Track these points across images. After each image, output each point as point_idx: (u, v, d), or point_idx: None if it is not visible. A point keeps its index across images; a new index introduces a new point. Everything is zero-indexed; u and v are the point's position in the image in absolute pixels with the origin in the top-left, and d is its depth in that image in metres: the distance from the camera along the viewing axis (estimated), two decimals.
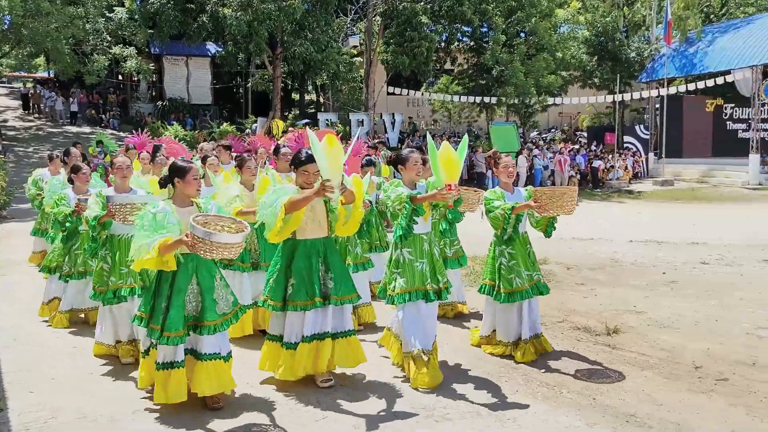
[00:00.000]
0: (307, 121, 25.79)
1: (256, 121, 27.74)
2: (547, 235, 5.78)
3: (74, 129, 30.67)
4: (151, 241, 4.21)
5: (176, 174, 4.61)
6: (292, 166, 5.10)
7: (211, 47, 32.99)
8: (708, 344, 6.15)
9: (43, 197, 8.32)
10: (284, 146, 7.13)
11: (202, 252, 4.06)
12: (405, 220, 5.00)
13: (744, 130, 27.23)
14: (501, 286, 5.64)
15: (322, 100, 37.39)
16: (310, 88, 39.00)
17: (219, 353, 4.64)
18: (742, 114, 27.58)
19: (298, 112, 34.87)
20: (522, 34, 28.84)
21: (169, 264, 4.32)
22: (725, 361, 5.67)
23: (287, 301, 4.91)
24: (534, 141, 28.73)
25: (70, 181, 6.83)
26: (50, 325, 6.84)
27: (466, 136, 5.86)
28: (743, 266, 9.91)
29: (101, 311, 5.85)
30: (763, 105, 25.00)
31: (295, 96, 39.07)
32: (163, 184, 4.77)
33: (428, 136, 5.59)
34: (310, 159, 4.87)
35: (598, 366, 5.59)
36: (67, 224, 6.41)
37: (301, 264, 4.92)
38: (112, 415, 4.57)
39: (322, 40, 26.81)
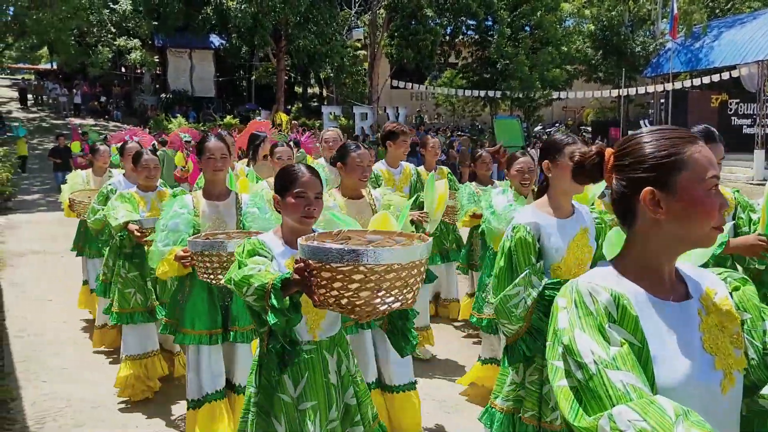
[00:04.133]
0: None
1: (259, 114, 27.72)
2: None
3: (77, 121, 30.63)
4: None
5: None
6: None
7: (215, 40, 32.93)
8: None
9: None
10: (282, 144, 5.46)
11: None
12: None
13: (749, 126, 27.08)
14: None
15: (325, 93, 37.31)
16: (313, 81, 38.92)
17: None
18: (747, 109, 27.42)
19: (301, 105, 34.84)
20: (527, 28, 28.78)
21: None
22: None
23: None
24: (538, 135, 28.67)
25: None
26: None
27: None
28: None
29: None
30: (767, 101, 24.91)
31: (299, 89, 39.02)
32: None
33: None
34: None
35: None
36: None
37: None
38: (122, 405, 4.58)
39: (326, 33, 26.78)
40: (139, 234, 4.36)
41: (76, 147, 18.50)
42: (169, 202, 3.73)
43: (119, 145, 7.17)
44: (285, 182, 2.57)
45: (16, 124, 25.59)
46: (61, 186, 6.37)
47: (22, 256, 10.03)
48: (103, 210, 5.13)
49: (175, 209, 3.63)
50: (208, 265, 3.15)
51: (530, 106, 28.65)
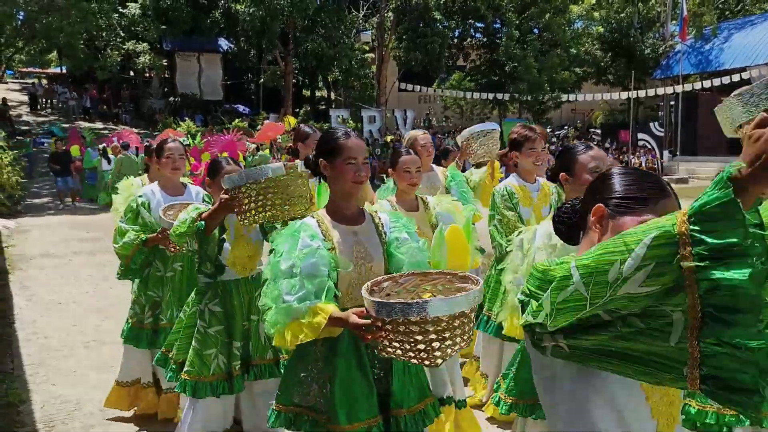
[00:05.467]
0: None
1: (267, 117, 27.74)
2: None
3: (86, 124, 30.75)
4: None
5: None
6: None
7: (223, 43, 33.02)
8: None
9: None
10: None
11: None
12: None
13: None
14: None
15: (333, 96, 37.36)
16: (321, 84, 38.97)
17: None
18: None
19: (309, 108, 34.87)
20: (535, 30, 28.74)
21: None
22: None
23: None
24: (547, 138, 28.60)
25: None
26: None
27: None
28: None
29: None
30: None
31: (307, 92, 39.07)
32: None
33: None
34: None
35: None
36: None
37: None
38: (134, 407, 4.54)
39: (334, 36, 26.82)
40: (226, 198, 2.97)
41: (75, 151, 18.35)
42: (289, 231, 2.43)
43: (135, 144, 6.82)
44: (644, 193, 1.46)
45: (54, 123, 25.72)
46: (114, 198, 4.85)
47: (31, 259, 10.02)
48: (133, 231, 3.97)
49: (305, 242, 2.37)
50: (408, 338, 2.00)
51: (539, 109, 28.59)
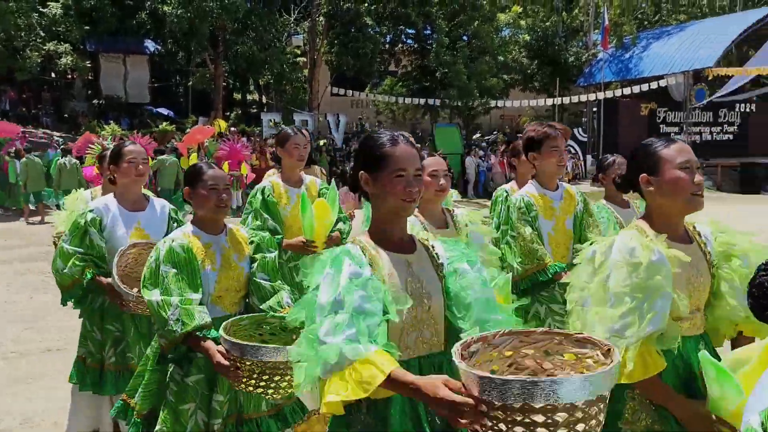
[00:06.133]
0: None
1: (197, 121, 27.24)
2: None
3: None
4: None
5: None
6: None
7: (150, 44, 32.20)
8: None
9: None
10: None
11: None
12: None
13: (676, 134, 28.26)
14: None
15: (265, 100, 37.00)
16: (252, 87, 38.55)
17: None
18: (674, 117, 28.61)
19: (240, 111, 34.41)
20: (465, 37, 29.24)
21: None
22: None
23: None
24: (476, 143, 29.15)
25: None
26: None
27: None
28: None
29: None
30: (694, 109, 26.04)
31: (238, 96, 38.56)
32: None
33: None
34: None
35: None
36: None
37: None
38: (55, 420, 4.40)
39: (265, 39, 26.60)
40: (226, 364, 2.47)
41: None
42: (329, 257, 1.86)
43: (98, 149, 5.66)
44: None
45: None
46: (57, 209, 4.09)
47: None
48: (77, 259, 3.27)
49: (352, 269, 1.81)
50: (526, 429, 1.40)
51: (469, 114, 29.14)
